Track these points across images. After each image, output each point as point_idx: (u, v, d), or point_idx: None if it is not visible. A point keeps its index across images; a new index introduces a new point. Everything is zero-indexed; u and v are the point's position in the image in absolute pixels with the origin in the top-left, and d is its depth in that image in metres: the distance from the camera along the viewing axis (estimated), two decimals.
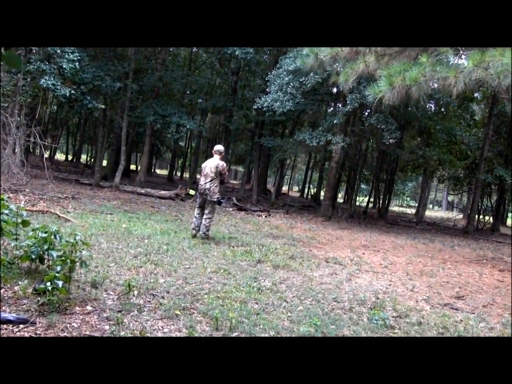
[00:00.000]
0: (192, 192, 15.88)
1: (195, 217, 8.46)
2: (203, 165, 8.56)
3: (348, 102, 14.07)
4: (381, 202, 23.41)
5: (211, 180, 8.21)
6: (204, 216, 8.31)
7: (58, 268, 3.99)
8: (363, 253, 9.34)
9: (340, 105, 17.02)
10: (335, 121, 14.92)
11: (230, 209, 15.29)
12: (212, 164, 8.28)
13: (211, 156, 8.72)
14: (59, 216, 8.32)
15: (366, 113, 17.08)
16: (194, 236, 8.33)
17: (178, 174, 44.07)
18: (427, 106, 19.09)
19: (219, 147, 8.56)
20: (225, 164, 8.42)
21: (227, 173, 8.52)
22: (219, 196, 8.37)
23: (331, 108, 21.11)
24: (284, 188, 45.62)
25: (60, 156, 38.72)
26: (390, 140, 14.46)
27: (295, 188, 61.92)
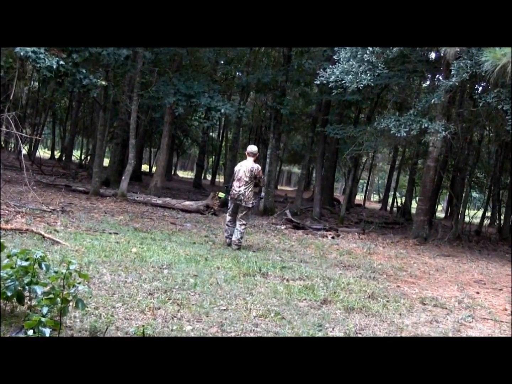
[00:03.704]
0: (221, 194, 16.12)
1: (227, 225, 10.45)
2: (236, 168, 10.55)
3: (453, 72, 13.77)
4: (502, 217, 22.82)
5: (245, 185, 10.13)
6: (238, 223, 10.21)
7: (45, 310, 4.03)
8: (477, 292, 9.10)
9: (441, 77, 16.71)
10: (433, 101, 14.64)
11: (282, 227, 15.29)
12: (246, 167, 10.23)
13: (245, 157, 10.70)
14: (43, 236, 8.49)
15: (480, 88, 16.70)
16: (229, 244, 10.24)
17: (208, 177, 44.53)
18: None
19: (252, 148, 10.55)
20: (260, 167, 10.46)
21: (262, 176, 10.59)
22: (254, 202, 10.48)
23: (428, 82, 20.80)
24: (359, 198, 45.30)
25: (43, 153, 39.58)
26: None
27: (374, 197, 61.39)
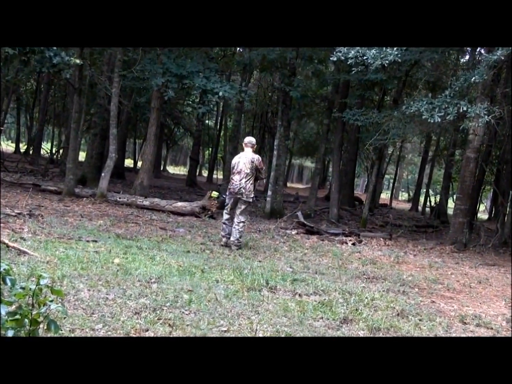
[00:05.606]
0: (214, 194, 16.28)
1: (224, 223, 11.48)
2: (233, 161, 11.62)
3: None
4: None
5: (246, 177, 11.16)
6: (237, 220, 11.27)
7: (10, 333, 4.02)
8: None
9: (482, 51, 16.68)
10: (473, 79, 14.59)
11: (293, 231, 15.28)
12: (246, 158, 11.27)
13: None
14: (7, 246, 8.47)
15: None
16: (226, 244, 11.31)
17: (204, 173, 44.58)
18: None
19: (251, 139, 11.76)
20: (260, 158, 11.61)
21: (263, 167, 11.66)
22: (254, 196, 11.51)
23: (467, 57, 20.74)
24: (384, 196, 45.27)
25: (6, 146, 39.54)
26: None
27: (403, 196, 61.38)
